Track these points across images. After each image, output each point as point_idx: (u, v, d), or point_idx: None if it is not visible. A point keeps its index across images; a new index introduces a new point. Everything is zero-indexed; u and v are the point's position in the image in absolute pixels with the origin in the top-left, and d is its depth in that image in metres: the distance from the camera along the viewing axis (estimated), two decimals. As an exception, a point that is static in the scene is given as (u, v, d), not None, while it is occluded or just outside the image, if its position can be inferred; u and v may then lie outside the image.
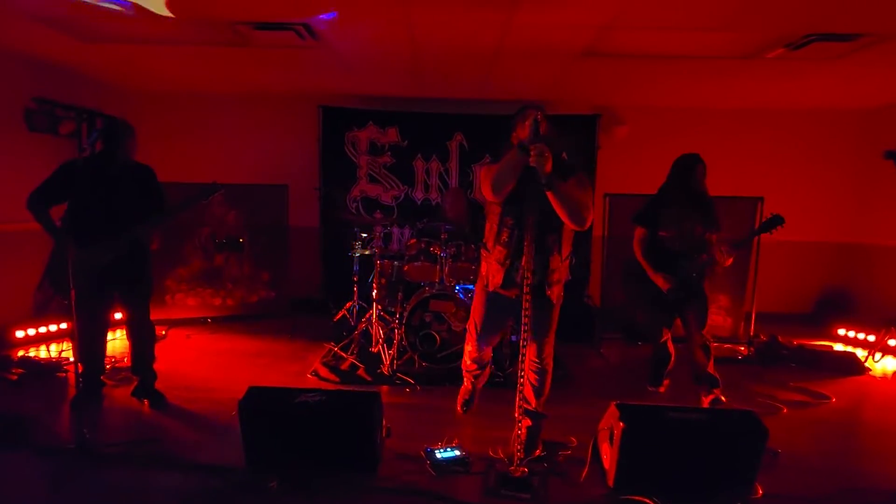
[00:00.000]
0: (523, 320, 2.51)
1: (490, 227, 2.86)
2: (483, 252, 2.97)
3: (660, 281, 3.53)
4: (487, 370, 3.32)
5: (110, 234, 3.14)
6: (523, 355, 2.56)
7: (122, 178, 3.21)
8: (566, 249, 2.79)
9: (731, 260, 3.46)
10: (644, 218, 3.64)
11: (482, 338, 3.06)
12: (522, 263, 2.60)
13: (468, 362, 3.23)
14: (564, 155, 2.80)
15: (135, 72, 5.24)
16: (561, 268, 2.79)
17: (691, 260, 3.50)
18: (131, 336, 3.45)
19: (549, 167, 2.45)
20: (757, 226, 3.37)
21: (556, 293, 2.80)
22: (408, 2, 3.22)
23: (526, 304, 2.49)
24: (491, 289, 2.88)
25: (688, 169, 3.52)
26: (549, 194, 2.51)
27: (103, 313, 3.41)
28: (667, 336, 3.76)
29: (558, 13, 3.34)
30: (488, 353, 3.21)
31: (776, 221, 3.42)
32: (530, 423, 2.87)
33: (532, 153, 2.44)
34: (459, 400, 3.39)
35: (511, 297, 2.82)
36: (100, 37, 4.07)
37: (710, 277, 3.64)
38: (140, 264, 3.33)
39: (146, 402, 3.41)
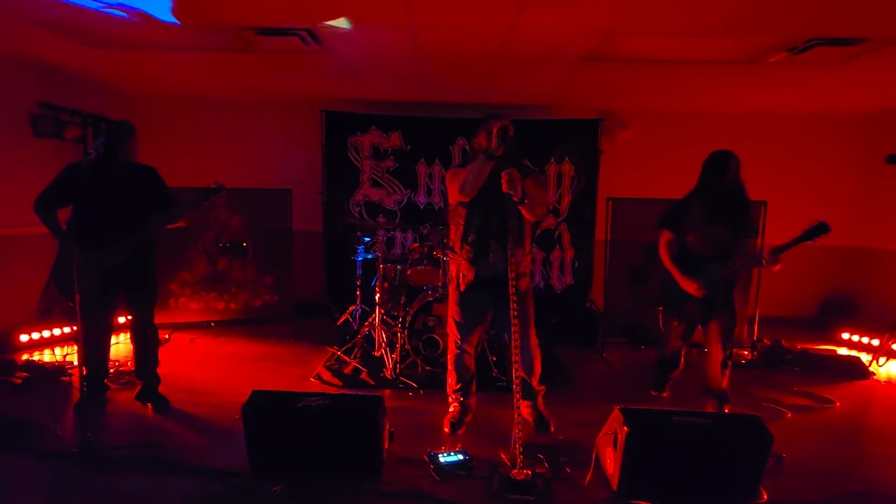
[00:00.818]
0: (512, 312, 2.63)
1: (456, 230, 3.05)
2: (450, 255, 3.14)
3: (689, 286, 3.24)
4: (473, 388, 3.23)
5: (115, 237, 3.15)
6: (517, 346, 2.68)
7: (124, 180, 3.23)
8: (528, 242, 3.05)
9: (778, 266, 3.12)
10: (669, 220, 3.41)
11: (464, 335, 3.14)
12: (490, 260, 2.90)
13: (451, 382, 3.22)
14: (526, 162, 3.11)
15: (140, 77, 5.27)
16: (525, 260, 3.01)
17: (719, 266, 3.19)
18: (135, 340, 3.47)
19: (519, 188, 2.68)
20: (802, 233, 3.14)
21: (523, 285, 2.97)
22: (411, 5, 3.23)
23: (514, 298, 2.63)
24: (462, 287, 3.04)
25: (720, 165, 3.23)
26: (520, 208, 2.80)
27: (108, 317, 3.43)
28: (681, 345, 3.61)
29: (561, 18, 3.35)
30: (471, 361, 3.19)
31: (822, 229, 3.01)
32: (529, 404, 2.90)
33: (504, 180, 2.68)
34: (447, 421, 3.19)
35: (483, 292, 2.99)
36: (105, 42, 4.09)
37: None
38: (144, 267, 3.34)
39: (150, 405, 3.42)
